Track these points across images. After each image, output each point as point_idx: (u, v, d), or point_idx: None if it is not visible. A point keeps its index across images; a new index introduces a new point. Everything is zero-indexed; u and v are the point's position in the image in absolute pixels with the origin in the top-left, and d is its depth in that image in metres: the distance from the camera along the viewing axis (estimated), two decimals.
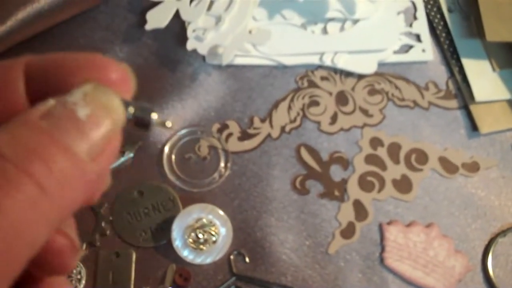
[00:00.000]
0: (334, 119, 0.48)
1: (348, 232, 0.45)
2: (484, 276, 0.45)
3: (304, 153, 0.47)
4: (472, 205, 0.46)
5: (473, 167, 0.47)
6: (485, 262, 0.45)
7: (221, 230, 0.44)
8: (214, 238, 0.43)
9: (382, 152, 0.47)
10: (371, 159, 0.47)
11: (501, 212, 0.46)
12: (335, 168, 0.47)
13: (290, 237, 0.45)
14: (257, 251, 0.44)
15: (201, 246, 0.43)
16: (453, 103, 0.49)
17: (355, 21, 0.50)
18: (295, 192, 0.46)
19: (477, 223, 0.46)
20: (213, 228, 0.44)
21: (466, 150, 0.48)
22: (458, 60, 0.50)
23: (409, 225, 0.45)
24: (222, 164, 0.46)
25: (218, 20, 0.47)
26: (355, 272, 0.44)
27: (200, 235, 0.43)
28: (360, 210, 0.46)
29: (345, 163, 0.47)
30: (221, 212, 0.44)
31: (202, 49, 0.46)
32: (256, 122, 0.48)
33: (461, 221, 0.46)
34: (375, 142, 0.48)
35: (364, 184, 0.46)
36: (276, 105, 0.48)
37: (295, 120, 0.48)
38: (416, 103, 0.49)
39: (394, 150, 0.47)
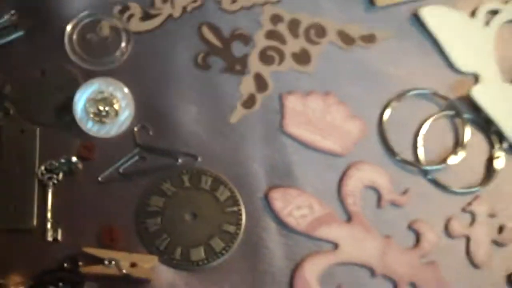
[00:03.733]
0: None
1: (249, 102, 0.47)
2: (380, 138, 0.47)
3: (206, 31, 0.48)
4: (369, 74, 0.48)
5: (370, 39, 0.49)
6: (381, 126, 0.47)
7: (123, 102, 0.45)
8: (116, 110, 0.44)
9: (282, 28, 0.49)
10: (271, 34, 0.48)
11: (397, 80, 0.48)
12: (237, 44, 0.48)
13: (193, 109, 0.46)
14: (160, 124, 0.46)
15: (104, 119, 0.44)
16: None
17: None
18: (197, 68, 0.47)
19: (373, 90, 0.48)
20: (114, 101, 0.45)
21: (364, 23, 0.50)
22: None
23: (308, 94, 0.47)
24: (123, 44, 0.47)
25: None
26: (256, 139, 0.46)
27: (101, 108, 0.44)
28: (260, 83, 0.47)
29: (246, 39, 0.48)
30: (124, 89, 0.45)
31: None
32: (158, 2, 0.48)
33: (359, 89, 0.48)
34: (276, 19, 0.49)
35: (265, 58, 0.48)
36: None
37: None
38: None
39: (294, 25, 0.49)
